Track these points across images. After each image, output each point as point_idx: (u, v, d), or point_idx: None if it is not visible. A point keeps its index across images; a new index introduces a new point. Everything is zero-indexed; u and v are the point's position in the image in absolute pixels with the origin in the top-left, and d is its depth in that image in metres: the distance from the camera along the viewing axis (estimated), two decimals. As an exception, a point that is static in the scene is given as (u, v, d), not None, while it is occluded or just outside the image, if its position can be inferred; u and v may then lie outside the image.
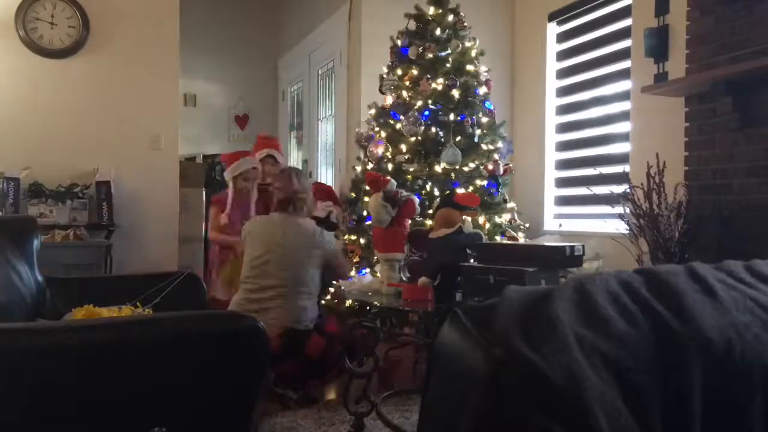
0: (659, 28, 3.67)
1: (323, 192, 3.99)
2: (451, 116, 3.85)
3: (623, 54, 4.09)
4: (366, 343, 2.71)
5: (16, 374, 1.47)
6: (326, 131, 6.12)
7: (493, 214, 3.82)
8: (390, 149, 3.97)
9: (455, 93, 3.86)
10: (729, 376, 0.77)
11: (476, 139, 3.89)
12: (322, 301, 3.68)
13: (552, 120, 4.80)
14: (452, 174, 3.80)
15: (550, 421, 0.65)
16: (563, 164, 4.71)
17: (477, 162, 3.88)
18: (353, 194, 4.15)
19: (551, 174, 4.79)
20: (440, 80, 3.89)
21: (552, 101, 4.80)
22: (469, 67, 3.94)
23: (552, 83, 4.80)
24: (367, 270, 3.75)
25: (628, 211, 3.30)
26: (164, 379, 1.56)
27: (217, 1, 6.82)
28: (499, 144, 3.99)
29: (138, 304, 2.30)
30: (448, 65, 3.93)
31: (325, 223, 3.91)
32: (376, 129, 4.04)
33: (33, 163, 3.96)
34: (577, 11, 4.52)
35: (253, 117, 7.17)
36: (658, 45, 3.64)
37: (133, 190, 4.27)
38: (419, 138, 3.86)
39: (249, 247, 3.08)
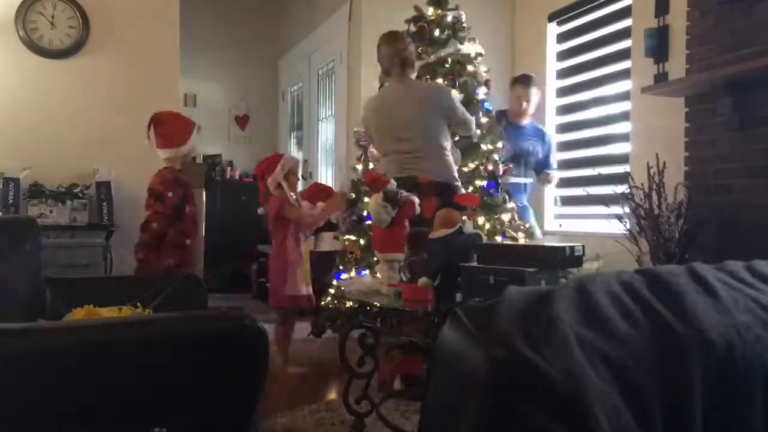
0: (659, 29, 3.66)
1: (323, 192, 3.98)
2: (451, 116, 3.85)
3: (623, 54, 4.09)
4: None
5: (16, 374, 1.47)
6: (326, 131, 6.12)
7: (493, 215, 3.82)
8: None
9: (455, 93, 3.86)
10: (730, 377, 0.77)
11: (476, 140, 3.89)
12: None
13: (552, 120, 4.80)
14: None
15: (551, 421, 0.65)
16: (563, 164, 4.71)
17: (477, 162, 3.88)
18: (353, 194, 4.15)
19: (551, 174, 4.78)
20: (439, 80, 3.89)
21: (552, 101, 4.80)
22: (469, 68, 3.95)
23: (552, 83, 4.80)
24: (367, 270, 3.75)
25: (628, 211, 3.29)
26: (164, 379, 1.56)
27: (218, 2, 6.82)
28: (499, 144, 3.99)
29: (138, 304, 2.29)
30: (447, 66, 3.94)
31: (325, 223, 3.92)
32: (377, 129, 4.04)
33: (33, 163, 3.96)
34: (577, 11, 4.52)
35: (253, 117, 7.18)
36: (658, 45, 3.64)
37: (133, 191, 4.26)
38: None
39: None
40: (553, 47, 4.81)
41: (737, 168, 3.11)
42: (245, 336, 1.63)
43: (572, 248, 2.25)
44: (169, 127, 3.32)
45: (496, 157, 3.92)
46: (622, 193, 3.34)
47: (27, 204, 3.94)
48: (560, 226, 4.65)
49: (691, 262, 0.95)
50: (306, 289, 3.68)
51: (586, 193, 3.99)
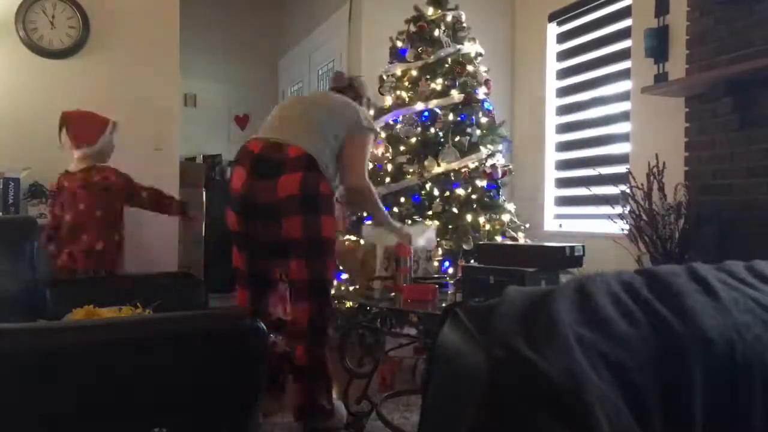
0: (659, 29, 3.67)
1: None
2: (450, 116, 3.85)
3: (623, 54, 4.09)
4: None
5: (16, 374, 1.46)
6: (326, 131, 6.11)
7: (493, 215, 3.82)
8: (390, 150, 3.98)
9: (454, 93, 3.86)
10: (730, 377, 0.77)
11: (475, 140, 3.89)
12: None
13: (552, 120, 4.80)
14: (452, 175, 3.80)
15: (551, 421, 0.64)
16: (563, 164, 4.71)
17: (476, 163, 3.88)
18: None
19: (551, 174, 4.78)
20: (439, 80, 3.90)
21: (552, 101, 4.80)
22: (469, 68, 3.95)
23: (552, 83, 4.80)
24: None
25: (628, 211, 3.30)
26: (164, 379, 1.56)
27: (218, 2, 6.82)
28: (499, 147, 3.99)
29: (138, 304, 2.29)
30: (447, 66, 3.94)
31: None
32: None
33: (33, 163, 3.96)
34: (577, 12, 4.52)
35: (253, 117, 7.17)
36: (658, 45, 3.64)
37: (133, 191, 4.25)
38: (419, 138, 3.87)
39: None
40: (553, 47, 4.81)
41: (737, 168, 3.11)
42: (245, 336, 1.63)
43: (572, 248, 2.26)
44: (80, 127, 3.34)
45: (492, 161, 3.91)
46: (622, 193, 3.34)
47: (27, 204, 3.93)
48: (560, 226, 4.65)
49: (691, 262, 0.95)
50: None
51: (590, 192, 3.98)
